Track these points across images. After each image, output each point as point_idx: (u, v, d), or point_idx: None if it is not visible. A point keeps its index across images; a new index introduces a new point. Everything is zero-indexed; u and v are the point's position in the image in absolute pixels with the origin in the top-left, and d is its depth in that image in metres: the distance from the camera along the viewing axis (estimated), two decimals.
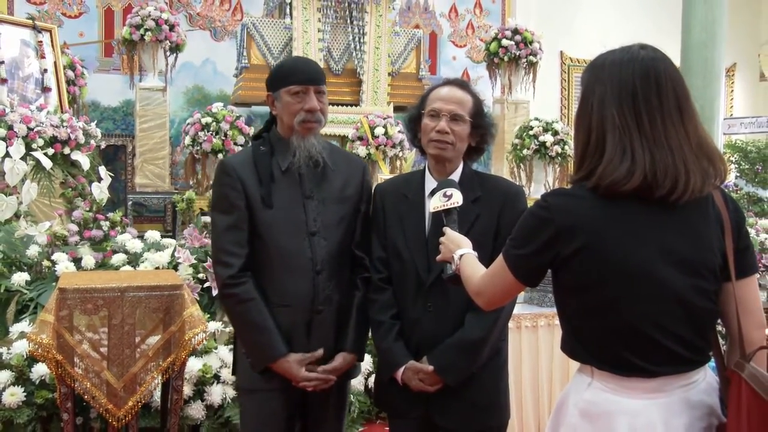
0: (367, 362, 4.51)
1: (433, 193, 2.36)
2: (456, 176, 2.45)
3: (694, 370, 1.72)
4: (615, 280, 1.66)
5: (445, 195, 2.30)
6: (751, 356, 1.67)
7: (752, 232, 6.50)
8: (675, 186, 1.63)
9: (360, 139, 7.40)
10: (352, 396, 4.41)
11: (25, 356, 3.99)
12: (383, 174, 7.00)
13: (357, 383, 4.44)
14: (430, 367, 2.33)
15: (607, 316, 1.68)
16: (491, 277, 1.86)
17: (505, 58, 8.74)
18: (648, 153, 1.63)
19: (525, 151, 8.14)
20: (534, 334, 4.09)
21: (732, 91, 12.78)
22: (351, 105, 8.05)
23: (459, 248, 2.08)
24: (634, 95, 1.67)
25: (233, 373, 2.81)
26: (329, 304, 2.46)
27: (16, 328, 4.24)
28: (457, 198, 2.27)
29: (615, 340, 1.68)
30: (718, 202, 1.74)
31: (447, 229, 2.20)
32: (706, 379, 1.76)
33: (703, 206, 1.71)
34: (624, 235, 1.66)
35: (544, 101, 9.72)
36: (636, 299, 1.66)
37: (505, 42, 8.69)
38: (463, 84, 2.53)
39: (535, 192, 7.83)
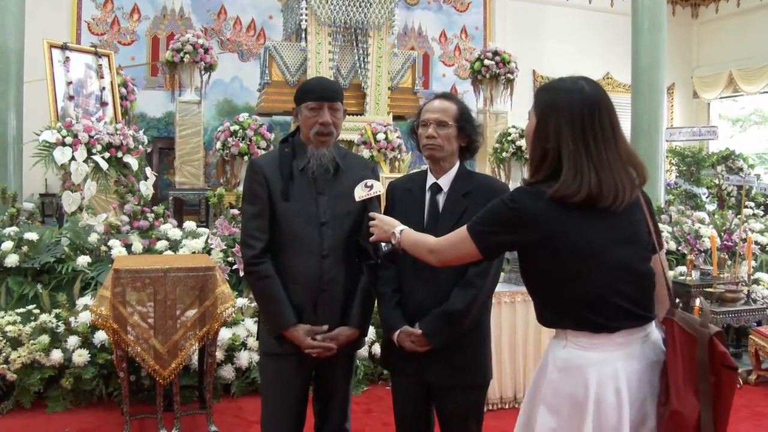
0: (371, 333, 4.53)
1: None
2: (452, 174, 2.46)
3: (645, 324, 1.80)
4: (575, 259, 1.73)
5: (366, 186, 2.31)
6: (679, 304, 1.76)
7: (688, 221, 6.53)
8: (615, 199, 1.73)
9: (364, 143, 7.40)
10: (358, 361, 4.45)
11: (88, 324, 4.06)
12: (384, 173, 7.01)
13: (363, 350, 4.47)
14: (419, 331, 2.35)
15: (573, 288, 1.73)
16: (452, 243, 1.90)
17: (487, 76, 8.75)
18: (594, 174, 1.72)
19: (504, 154, 8.17)
20: (512, 309, 4.09)
21: (672, 105, 12.89)
22: (356, 114, 8.03)
23: (394, 227, 2.13)
24: (582, 126, 1.75)
25: (257, 339, 2.81)
26: (334, 285, 2.45)
27: (81, 302, 4.31)
28: (377, 188, 2.31)
29: (582, 306, 1.73)
30: (640, 198, 1.85)
31: (375, 214, 2.23)
32: (654, 332, 1.84)
33: (635, 205, 1.82)
34: (577, 227, 1.73)
35: (519, 112, 9.69)
36: (594, 272, 1.71)
37: (486, 62, 8.70)
38: (447, 95, 2.53)
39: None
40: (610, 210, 1.72)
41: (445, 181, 2.44)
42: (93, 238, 4.74)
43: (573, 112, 1.75)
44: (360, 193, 2.31)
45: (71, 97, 5.88)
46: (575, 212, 1.72)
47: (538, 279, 1.82)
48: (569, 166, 1.72)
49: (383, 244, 2.14)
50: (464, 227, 1.85)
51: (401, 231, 2.09)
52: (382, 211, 2.46)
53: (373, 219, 2.20)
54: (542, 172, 1.78)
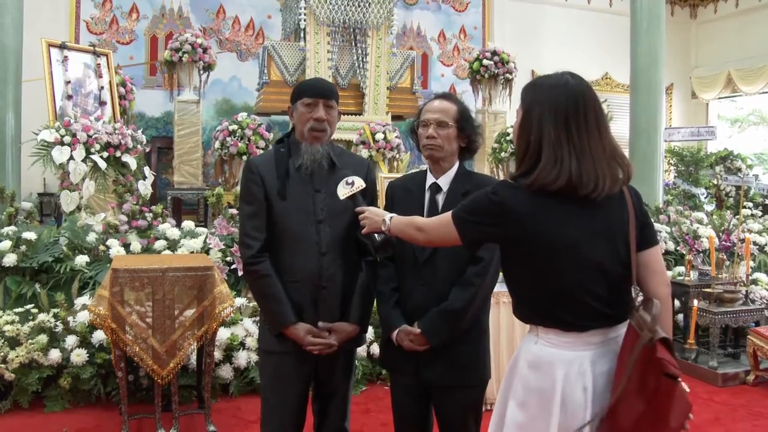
0: (369, 333, 4.53)
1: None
2: (452, 174, 2.47)
3: (616, 324, 1.81)
4: (550, 256, 1.74)
5: (347, 183, 2.34)
6: (640, 305, 1.78)
7: (686, 222, 6.53)
8: (596, 187, 1.74)
9: (363, 143, 7.40)
10: (357, 361, 4.43)
11: (87, 324, 4.06)
12: (383, 173, 7.00)
13: (361, 350, 4.46)
14: (418, 330, 2.35)
15: (548, 285, 1.75)
16: (438, 225, 1.95)
17: (486, 76, 8.75)
18: (575, 161, 1.73)
19: (503, 154, 8.17)
20: (510, 309, 4.09)
21: (670, 106, 12.94)
22: (355, 114, 8.03)
23: (383, 216, 2.16)
24: (566, 116, 1.77)
25: (258, 338, 2.81)
26: (333, 282, 2.46)
27: (79, 301, 4.30)
28: (359, 183, 2.33)
29: (554, 303, 1.75)
30: (626, 195, 1.85)
31: (364, 207, 2.26)
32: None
33: (616, 200, 1.82)
34: (555, 220, 1.74)
35: None
36: (567, 270, 1.73)
37: (485, 62, 8.69)
38: (447, 96, 2.54)
39: None
40: (590, 199, 1.73)
41: (445, 181, 2.45)
42: (91, 237, 4.73)
43: (557, 104, 1.77)
44: (342, 191, 2.33)
45: (70, 97, 5.87)
46: (555, 204, 1.73)
47: (516, 273, 1.85)
48: (549, 153, 1.73)
49: (376, 235, 2.17)
50: (449, 212, 1.88)
51: (390, 218, 2.12)
52: (392, 207, 2.47)
53: (362, 213, 2.23)
54: (525, 164, 1.80)
